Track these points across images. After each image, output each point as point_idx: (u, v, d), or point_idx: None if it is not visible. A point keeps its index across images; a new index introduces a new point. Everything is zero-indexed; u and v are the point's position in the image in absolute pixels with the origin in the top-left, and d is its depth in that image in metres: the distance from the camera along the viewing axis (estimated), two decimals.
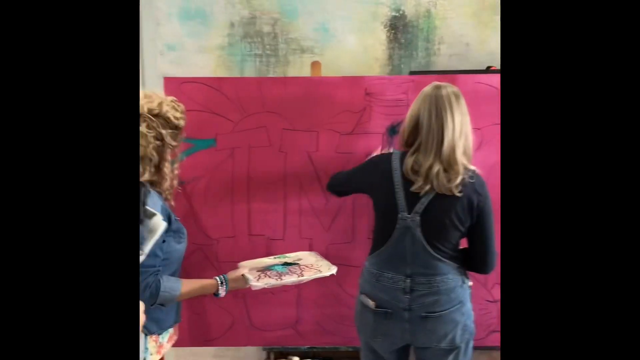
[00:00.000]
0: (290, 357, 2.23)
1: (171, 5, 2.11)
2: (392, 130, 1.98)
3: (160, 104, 1.52)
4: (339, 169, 1.99)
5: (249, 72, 2.16)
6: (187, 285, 1.61)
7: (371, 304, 1.63)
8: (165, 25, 2.13)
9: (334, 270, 1.66)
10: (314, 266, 1.70)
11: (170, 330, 1.68)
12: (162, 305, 1.58)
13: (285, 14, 2.13)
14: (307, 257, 1.81)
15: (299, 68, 2.15)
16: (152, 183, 1.55)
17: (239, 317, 2.08)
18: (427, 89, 1.58)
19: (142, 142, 1.49)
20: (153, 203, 1.48)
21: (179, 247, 1.61)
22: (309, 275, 1.65)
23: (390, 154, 1.64)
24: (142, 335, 1.51)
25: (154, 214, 1.14)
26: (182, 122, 1.58)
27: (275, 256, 1.85)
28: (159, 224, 1.15)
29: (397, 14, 2.11)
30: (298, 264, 1.74)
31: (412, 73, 2.12)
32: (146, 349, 1.55)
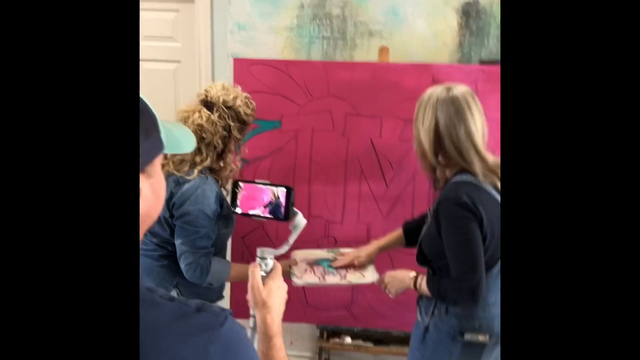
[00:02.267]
0: (343, 336, 2.29)
1: None
2: None
3: (234, 98, 1.60)
4: (401, 156, 1.99)
5: (316, 54, 2.17)
6: (236, 269, 1.70)
7: (482, 339, 1.44)
8: (236, 5, 2.16)
9: (375, 278, 1.68)
10: (360, 270, 1.73)
11: None
12: (210, 285, 1.67)
13: None
14: None
15: (366, 51, 2.14)
16: (212, 170, 1.63)
17: (295, 294, 2.14)
18: (438, 93, 1.39)
19: (210, 129, 1.57)
20: (211, 190, 1.57)
21: (225, 232, 1.70)
22: (351, 280, 1.69)
23: (476, 188, 1.39)
24: None
25: (296, 213, 1.26)
26: (250, 119, 1.66)
27: (330, 249, 1.88)
28: (301, 220, 1.25)
29: (470, 0, 2.05)
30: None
31: (482, 62, 2.06)
32: None
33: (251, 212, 1.31)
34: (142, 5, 2.39)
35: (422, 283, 1.48)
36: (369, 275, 1.70)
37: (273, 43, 2.18)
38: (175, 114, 2.47)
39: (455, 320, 1.45)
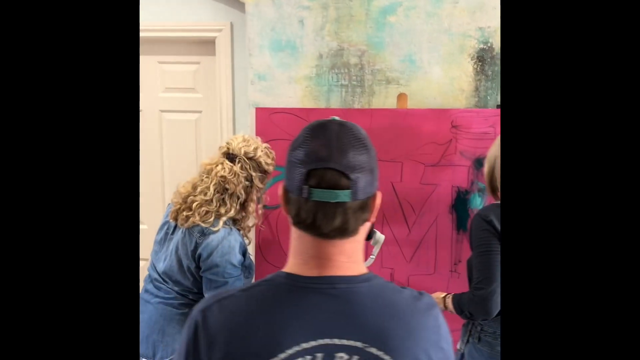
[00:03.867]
0: None
1: (263, 38, 2.21)
2: (479, 163, 1.97)
3: (255, 149, 1.65)
4: (422, 199, 2.00)
5: (335, 101, 2.22)
6: None
7: None
8: (256, 56, 2.23)
9: None
10: None
11: None
12: None
13: (372, 46, 2.17)
14: None
15: (384, 98, 2.18)
16: (235, 220, 1.66)
17: None
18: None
19: (233, 180, 1.61)
20: (235, 240, 1.61)
21: (246, 282, 1.71)
22: None
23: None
24: None
25: (375, 232, 1.51)
26: (271, 168, 1.71)
27: None
28: (380, 236, 1.53)
29: (484, 47, 2.11)
30: None
31: (498, 106, 2.10)
32: None
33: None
34: (165, 59, 2.49)
35: (449, 301, 1.56)
36: None
37: (293, 92, 2.23)
38: (197, 164, 2.52)
39: (487, 349, 1.50)
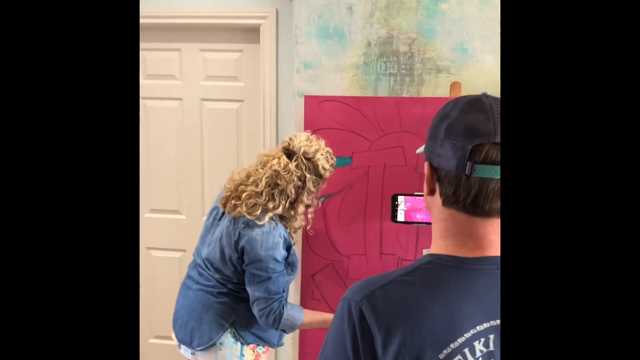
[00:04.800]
0: None
1: (310, 25, 2.17)
2: None
3: (315, 151, 1.60)
4: None
5: (383, 91, 2.17)
6: (309, 316, 1.67)
7: None
8: (303, 44, 2.19)
9: None
10: None
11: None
12: (283, 331, 1.64)
13: (422, 34, 2.12)
14: None
15: (434, 87, 2.13)
16: (282, 218, 1.62)
17: None
18: None
19: (286, 176, 1.56)
20: (280, 236, 1.57)
21: (289, 279, 1.68)
22: None
23: None
24: (238, 344, 1.63)
25: None
26: (327, 174, 1.65)
27: None
28: None
29: None
30: None
31: None
32: (242, 355, 1.63)
33: (417, 217, 1.63)
34: (207, 46, 2.45)
35: None
36: None
37: (339, 81, 2.19)
38: (238, 154, 2.49)
39: None
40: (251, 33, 2.36)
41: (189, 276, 1.73)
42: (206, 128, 2.50)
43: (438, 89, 2.13)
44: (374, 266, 2.03)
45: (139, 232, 2.39)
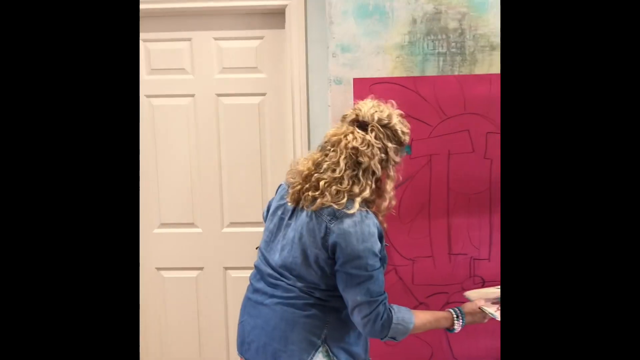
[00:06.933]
0: None
1: (347, 2, 1.93)
2: None
3: (390, 116, 1.40)
4: None
5: (431, 72, 1.94)
6: (420, 317, 1.43)
7: None
8: (339, 24, 1.94)
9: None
10: None
11: None
12: (393, 339, 1.38)
13: (474, 8, 1.92)
14: None
15: (488, 66, 1.93)
16: (368, 202, 1.36)
17: (438, 347, 1.81)
18: None
19: (367, 152, 1.35)
20: (374, 225, 1.35)
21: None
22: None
23: None
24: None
25: None
26: (407, 138, 1.45)
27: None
28: None
29: None
30: None
31: None
32: None
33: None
34: (222, 34, 2.17)
35: None
36: None
37: (382, 63, 1.95)
38: (261, 155, 2.20)
39: None
40: (274, 17, 2.11)
41: (256, 290, 1.43)
42: (223, 127, 2.21)
43: (492, 67, 1.93)
44: (442, 269, 1.79)
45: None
